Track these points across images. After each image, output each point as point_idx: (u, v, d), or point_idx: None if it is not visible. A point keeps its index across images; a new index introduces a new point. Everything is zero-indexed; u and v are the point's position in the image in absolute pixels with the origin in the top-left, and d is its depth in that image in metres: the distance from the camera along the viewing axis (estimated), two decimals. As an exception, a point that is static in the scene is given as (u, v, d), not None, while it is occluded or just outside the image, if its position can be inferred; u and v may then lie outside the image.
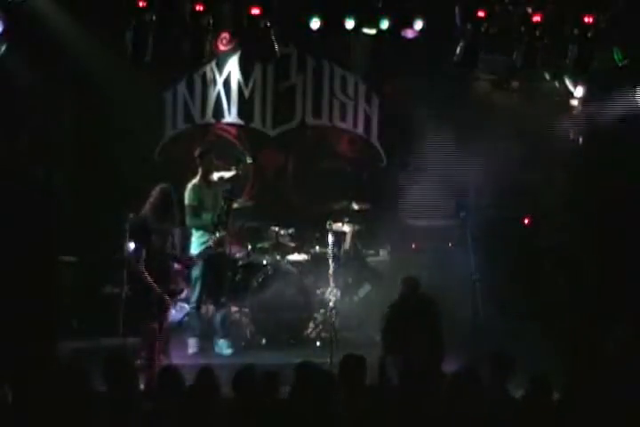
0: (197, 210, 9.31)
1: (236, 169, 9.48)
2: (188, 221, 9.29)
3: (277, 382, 5.75)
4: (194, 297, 9.39)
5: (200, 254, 8.76)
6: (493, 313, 9.11)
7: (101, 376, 5.72)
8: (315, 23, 9.74)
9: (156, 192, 8.14)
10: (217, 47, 10.89)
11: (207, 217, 9.33)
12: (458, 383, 5.66)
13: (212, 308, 9.67)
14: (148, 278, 7.84)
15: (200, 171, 9.42)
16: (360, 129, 11.42)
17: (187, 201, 9.27)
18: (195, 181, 9.39)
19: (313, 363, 6.00)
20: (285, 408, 5.50)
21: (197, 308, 9.45)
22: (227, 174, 9.51)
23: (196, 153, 9.52)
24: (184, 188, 9.33)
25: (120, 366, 5.78)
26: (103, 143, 10.56)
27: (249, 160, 9.33)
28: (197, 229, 9.33)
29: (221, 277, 9.54)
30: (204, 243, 9.26)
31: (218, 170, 9.53)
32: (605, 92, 10.62)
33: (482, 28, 9.38)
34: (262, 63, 10.92)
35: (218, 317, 9.50)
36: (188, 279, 9.35)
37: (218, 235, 9.03)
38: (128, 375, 5.76)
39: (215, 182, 9.46)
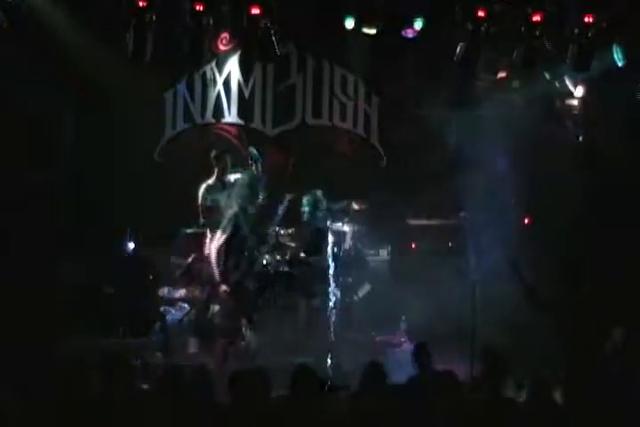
0: (212, 210, 9.33)
1: (252, 169, 9.39)
2: (202, 221, 9.32)
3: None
4: None
5: None
6: (492, 313, 9.10)
7: (99, 375, 5.72)
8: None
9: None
10: (217, 47, 10.92)
11: (221, 217, 9.35)
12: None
13: (217, 308, 9.68)
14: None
15: (215, 171, 9.42)
16: (360, 129, 11.43)
17: (201, 201, 9.27)
18: (210, 181, 9.40)
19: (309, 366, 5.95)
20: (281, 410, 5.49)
21: (206, 308, 9.45)
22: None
23: (213, 154, 9.51)
24: (188, 187, 9.35)
25: (117, 365, 5.78)
26: (103, 143, 10.56)
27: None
28: (212, 229, 9.36)
29: None
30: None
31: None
32: (605, 92, 10.61)
33: (482, 28, 9.39)
34: (262, 63, 10.93)
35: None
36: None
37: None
38: (126, 374, 5.76)
39: (230, 183, 9.46)
